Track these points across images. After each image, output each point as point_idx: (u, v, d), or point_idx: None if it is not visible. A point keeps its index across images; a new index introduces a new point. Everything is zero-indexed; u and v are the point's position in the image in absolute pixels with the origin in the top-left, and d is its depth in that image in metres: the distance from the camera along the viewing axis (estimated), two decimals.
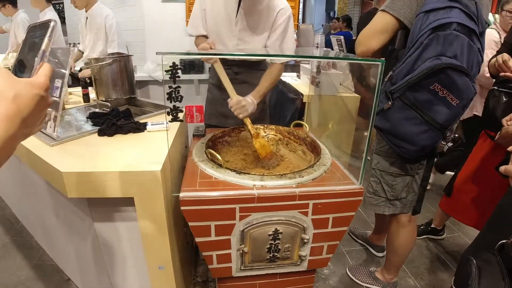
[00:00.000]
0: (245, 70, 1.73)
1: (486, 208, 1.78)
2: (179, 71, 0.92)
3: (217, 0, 1.56)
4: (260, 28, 1.58)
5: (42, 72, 0.47)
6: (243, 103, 1.40)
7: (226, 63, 1.66)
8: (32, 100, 0.42)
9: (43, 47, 0.49)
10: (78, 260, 1.51)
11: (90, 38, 2.78)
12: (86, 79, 1.85)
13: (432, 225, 2.30)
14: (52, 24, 0.51)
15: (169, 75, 0.90)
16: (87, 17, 2.75)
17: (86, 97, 1.86)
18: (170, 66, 0.90)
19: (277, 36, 1.59)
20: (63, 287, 1.76)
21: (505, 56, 1.43)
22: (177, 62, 0.91)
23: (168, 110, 0.94)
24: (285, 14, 1.56)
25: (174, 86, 0.92)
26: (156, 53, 0.87)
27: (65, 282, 1.78)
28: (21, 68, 0.50)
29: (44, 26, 0.51)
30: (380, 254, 2.08)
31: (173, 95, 0.92)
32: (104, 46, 2.77)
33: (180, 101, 0.94)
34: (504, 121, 1.37)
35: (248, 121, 1.40)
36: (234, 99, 1.40)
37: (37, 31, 0.53)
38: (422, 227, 2.32)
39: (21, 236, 2.17)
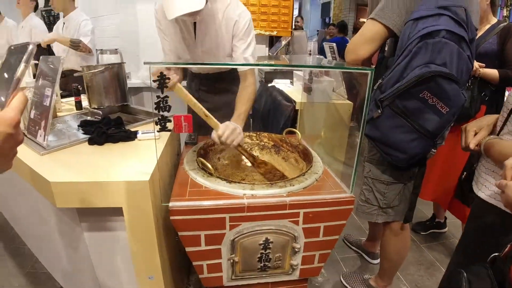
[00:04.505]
0: (221, 78, 1.73)
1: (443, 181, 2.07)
2: (167, 80, 0.91)
3: (172, 28, 1.54)
4: (223, 41, 1.55)
5: (13, 105, 0.40)
6: (234, 129, 1.25)
7: (205, 76, 1.74)
8: None
9: (17, 74, 0.42)
10: (69, 269, 1.49)
11: (65, 47, 2.70)
12: (78, 86, 1.84)
13: (437, 219, 2.39)
14: (30, 48, 0.45)
15: (157, 85, 0.90)
16: (64, 23, 2.73)
17: (78, 105, 1.85)
18: (158, 76, 0.90)
19: (240, 44, 1.55)
20: None
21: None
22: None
23: (156, 120, 0.93)
24: (244, 20, 1.50)
25: (162, 96, 0.91)
26: (144, 63, 0.87)
27: None
28: None
29: (22, 49, 0.45)
30: (374, 261, 2.07)
31: (161, 105, 0.92)
32: (77, 55, 2.71)
33: (168, 111, 0.93)
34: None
35: (242, 150, 1.34)
36: (221, 127, 1.22)
37: (15, 54, 0.46)
38: (428, 223, 2.42)
39: (14, 243, 2.15)
